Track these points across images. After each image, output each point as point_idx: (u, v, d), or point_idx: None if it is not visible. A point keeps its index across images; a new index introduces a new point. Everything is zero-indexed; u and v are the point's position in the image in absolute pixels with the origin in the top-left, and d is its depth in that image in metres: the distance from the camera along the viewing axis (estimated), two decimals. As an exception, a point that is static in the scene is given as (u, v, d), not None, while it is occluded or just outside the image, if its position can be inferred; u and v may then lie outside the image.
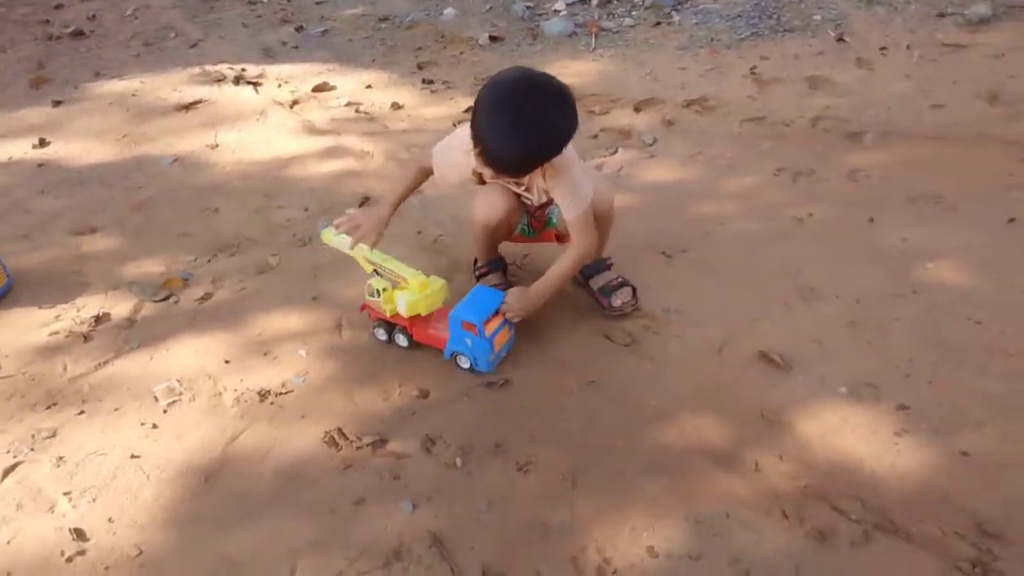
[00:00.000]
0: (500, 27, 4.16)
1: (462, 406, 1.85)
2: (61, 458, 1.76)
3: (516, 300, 1.93)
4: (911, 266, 2.18)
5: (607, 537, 1.51)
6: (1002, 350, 1.87)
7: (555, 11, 4.25)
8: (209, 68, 3.92)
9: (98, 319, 2.21)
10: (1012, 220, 2.32)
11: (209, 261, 2.46)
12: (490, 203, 2.02)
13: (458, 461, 1.69)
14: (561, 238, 2.10)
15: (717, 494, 1.58)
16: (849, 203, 2.51)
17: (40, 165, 3.13)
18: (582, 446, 1.72)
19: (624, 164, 2.86)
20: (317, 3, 4.71)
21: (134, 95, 3.69)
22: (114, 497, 1.66)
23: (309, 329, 2.13)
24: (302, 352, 2.04)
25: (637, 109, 3.24)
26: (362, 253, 1.99)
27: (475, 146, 1.75)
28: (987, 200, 2.43)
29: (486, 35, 4.04)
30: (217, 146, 3.19)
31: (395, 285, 1.96)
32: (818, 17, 3.83)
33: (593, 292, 2.13)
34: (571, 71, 3.63)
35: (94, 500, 1.66)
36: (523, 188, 1.98)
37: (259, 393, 1.92)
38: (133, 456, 1.76)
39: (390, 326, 2.01)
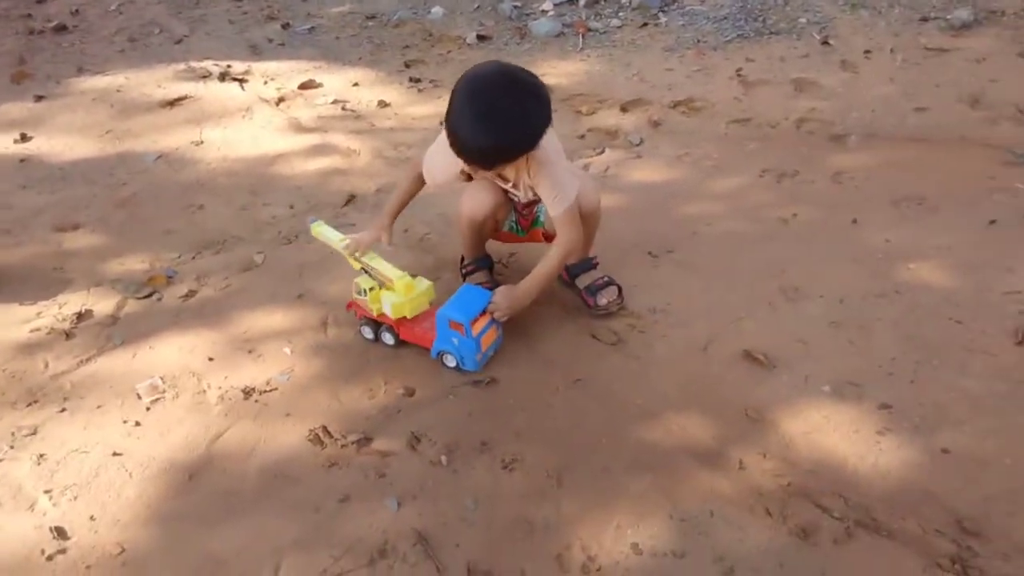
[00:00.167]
0: (488, 26, 4.17)
1: (448, 404, 1.85)
2: (42, 456, 1.75)
3: (504, 299, 1.93)
4: (894, 267, 2.20)
5: (592, 535, 1.51)
6: (982, 350, 1.89)
7: (543, 11, 4.26)
8: (194, 64, 3.89)
9: (80, 316, 2.19)
10: (993, 222, 2.35)
11: (193, 258, 2.44)
12: (477, 198, 2.02)
13: (443, 459, 1.69)
14: (549, 237, 2.10)
15: (701, 492, 1.59)
16: (833, 204, 2.53)
17: (22, 160, 3.10)
18: (568, 444, 1.72)
19: (611, 164, 2.87)
20: (304, 0, 4.69)
21: (118, 91, 3.66)
22: (96, 495, 1.65)
23: (294, 327, 2.12)
24: (287, 350, 2.04)
25: (624, 109, 3.25)
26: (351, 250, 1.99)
27: (448, 137, 1.76)
28: (968, 202, 2.46)
29: (474, 34, 4.04)
30: (202, 143, 3.17)
31: (382, 285, 1.96)
32: (803, 20, 3.86)
33: (579, 291, 2.14)
34: (558, 71, 3.64)
35: (75, 498, 1.64)
36: (510, 184, 1.98)
37: (243, 391, 1.91)
38: (115, 454, 1.74)
39: (376, 324, 2.01)
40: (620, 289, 2.10)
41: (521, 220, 2.14)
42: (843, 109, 3.12)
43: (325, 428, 1.79)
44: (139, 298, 2.26)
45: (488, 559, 1.48)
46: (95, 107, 3.51)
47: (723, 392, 1.83)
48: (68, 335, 2.12)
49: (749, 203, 2.58)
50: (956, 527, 1.47)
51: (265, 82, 3.69)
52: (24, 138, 3.25)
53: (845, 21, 3.82)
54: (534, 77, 1.77)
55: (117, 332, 2.13)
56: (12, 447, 1.77)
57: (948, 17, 3.71)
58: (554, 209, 1.91)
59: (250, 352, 2.03)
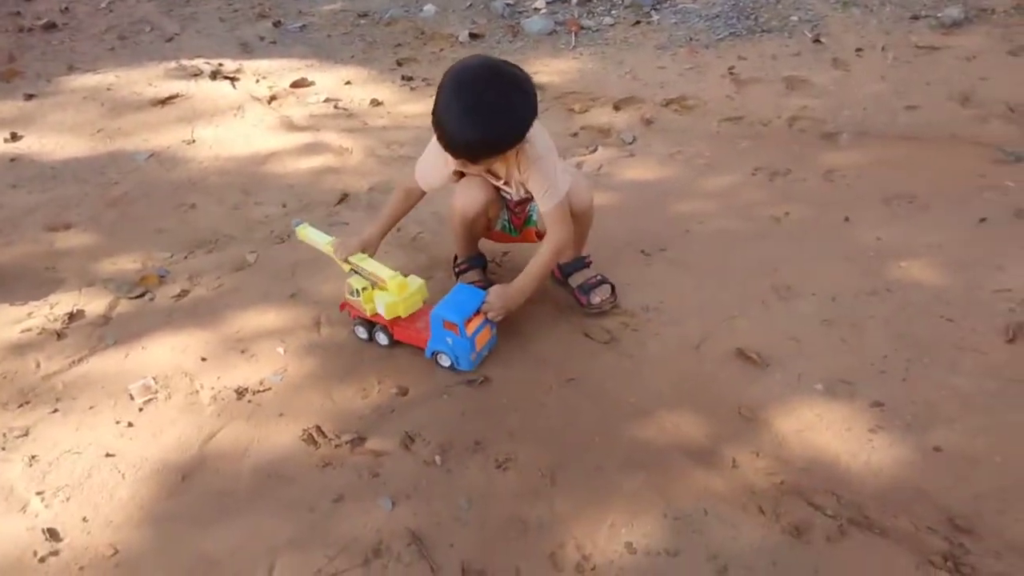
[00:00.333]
0: (480, 24, 4.16)
1: (441, 404, 1.84)
2: (34, 457, 1.74)
3: (498, 299, 1.93)
4: (885, 265, 2.21)
5: (586, 534, 1.52)
6: (973, 347, 1.90)
7: (535, 9, 4.25)
8: (185, 63, 3.88)
9: (72, 316, 2.18)
10: (983, 220, 2.36)
11: (186, 258, 2.43)
12: (469, 195, 2.02)
13: (437, 459, 1.69)
14: (542, 236, 2.10)
15: (695, 490, 1.59)
16: (825, 202, 2.53)
17: (12, 160, 3.08)
18: (561, 443, 1.72)
19: (603, 162, 2.87)
20: (295, -2, 4.68)
21: (109, 89, 3.64)
22: (89, 496, 1.64)
23: (287, 326, 2.11)
24: (280, 349, 2.03)
25: (616, 108, 3.25)
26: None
27: (435, 132, 1.78)
28: (959, 200, 2.47)
29: (466, 32, 4.03)
30: (194, 141, 3.16)
31: (375, 285, 1.95)
32: (795, 18, 3.87)
33: (572, 290, 2.14)
34: (551, 69, 3.64)
35: (68, 499, 1.63)
36: (501, 181, 1.98)
37: (237, 391, 1.90)
38: (108, 455, 1.74)
39: (370, 324, 2.01)
40: (613, 288, 2.11)
41: (514, 219, 2.14)
42: (835, 107, 3.13)
43: (319, 428, 1.78)
44: (131, 298, 2.25)
45: (482, 558, 1.48)
46: (86, 106, 3.49)
47: (716, 390, 1.84)
48: (60, 335, 2.11)
49: (741, 201, 2.59)
50: (948, 524, 1.48)
51: (257, 80, 3.68)
52: (14, 137, 3.23)
53: (837, 19, 3.83)
54: (519, 70, 1.78)
55: (109, 332, 2.12)
56: (4, 448, 1.76)
57: (939, 15, 3.72)
58: (544, 204, 1.91)
59: (243, 352, 2.03)
